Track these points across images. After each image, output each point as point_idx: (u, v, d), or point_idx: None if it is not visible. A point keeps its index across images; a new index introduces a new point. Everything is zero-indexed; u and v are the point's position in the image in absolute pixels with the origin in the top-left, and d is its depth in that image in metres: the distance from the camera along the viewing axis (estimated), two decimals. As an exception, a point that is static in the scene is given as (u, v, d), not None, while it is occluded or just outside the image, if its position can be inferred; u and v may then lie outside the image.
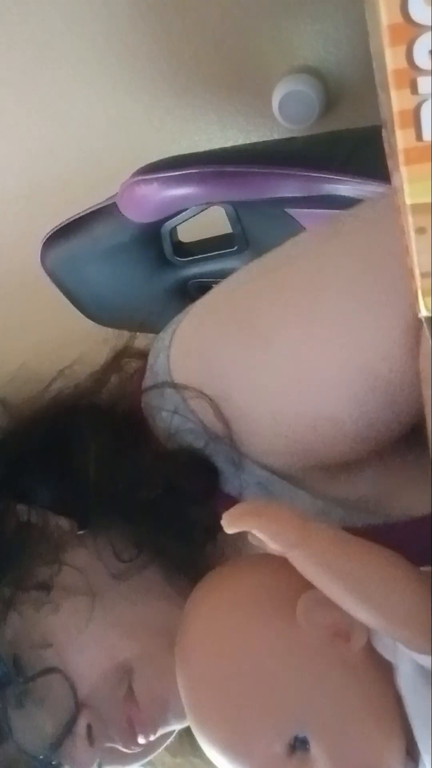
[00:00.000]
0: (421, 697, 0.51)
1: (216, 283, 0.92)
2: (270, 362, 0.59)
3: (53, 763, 0.61)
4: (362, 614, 0.51)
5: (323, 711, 0.52)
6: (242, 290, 0.64)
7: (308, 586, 0.53)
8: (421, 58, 0.34)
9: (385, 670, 0.53)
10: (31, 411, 0.68)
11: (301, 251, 0.63)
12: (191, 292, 0.92)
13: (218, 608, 0.58)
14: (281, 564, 0.59)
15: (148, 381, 0.67)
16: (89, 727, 0.61)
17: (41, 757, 0.60)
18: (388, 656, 0.53)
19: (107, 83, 1.11)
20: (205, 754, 0.56)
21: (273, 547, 0.53)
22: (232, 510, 0.54)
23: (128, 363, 0.71)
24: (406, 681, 0.52)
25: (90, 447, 0.65)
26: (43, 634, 0.61)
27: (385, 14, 0.33)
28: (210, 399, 0.62)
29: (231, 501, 0.60)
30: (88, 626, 0.61)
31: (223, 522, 0.54)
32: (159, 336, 0.68)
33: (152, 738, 0.63)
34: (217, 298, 0.67)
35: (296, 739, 0.52)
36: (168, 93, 1.11)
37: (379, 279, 0.55)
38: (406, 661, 0.52)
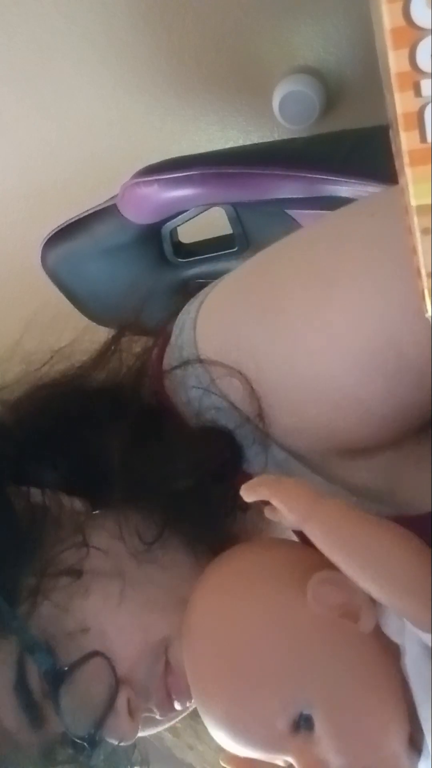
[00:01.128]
0: (426, 679, 0.51)
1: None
2: (294, 331, 0.58)
3: (97, 739, 0.61)
4: (370, 585, 0.51)
5: (329, 689, 0.52)
6: (269, 263, 0.63)
7: (322, 567, 0.54)
8: (423, 61, 0.34)
9: (392, 654, 0.53)
10: (34, 392, 0.67)
11: (327, 225, 0.62)
12: (191, 292, 0.92)
13: (227, 582, 0.58)
14: (294, 546, 0.61)
15: (171, 355, 0.66)
16: (129, 701, 0.61)
17: (86, 735, 0.60)
18: (395, 638, 0.53)
19: (108, 83, 1.11)
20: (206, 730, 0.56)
21: (288, 517, 0.53)
22: (251, 480, 0.55)
23: (132, 342, 0.69)
24: (413, 663, 0.52)
25: (113, 429, 0.64)
26: (77, 620, 0.60)
27: (388, 18, 0.34)
28: (242, 375, 0.60)
29: (249, 478, 0.59)
30: (120, 607, 0.61)
31: (242, 491, 0.55)
32: (184, 309, 0.67)
33: (188, 704, 0.63)
34: (245, 272, 0.66)
35: (301, 716, 0.52)
36: (168, 93, 1.11)
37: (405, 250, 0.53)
38: (413, 642, 0.52)
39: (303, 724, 0.52)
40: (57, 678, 0.59)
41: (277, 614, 0.54)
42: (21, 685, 0.59)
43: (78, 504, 0.65)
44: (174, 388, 0.65)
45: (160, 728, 0.66)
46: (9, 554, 0.61)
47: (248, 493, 0.55)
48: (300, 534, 0.63)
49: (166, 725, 0.66)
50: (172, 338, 0.66)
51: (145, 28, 1.05)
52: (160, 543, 0.63)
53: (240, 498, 0.55)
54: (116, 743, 0.62)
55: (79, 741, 0.60)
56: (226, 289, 0.65)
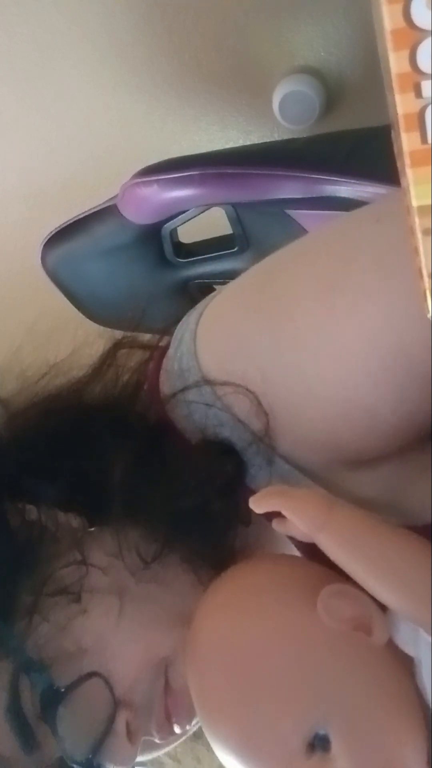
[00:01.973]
0: None
1: (217, 283, 0.93)
2: (301, 341, 0.57)
3: (95, 764, 0.59)
4: (387, 594, 0.50)
5: (346, 706, 0.50)
6: (272, 272, 0.62)
7: (329, 582, 0.53)
8: (424, 62, 0.34)
9: (405, 666, 0.52)
10: (30, 408, 0.65)
11: (332, 233, 0.61)
12: (191, 292, 0.92)
13: (233, 600, 0.56)
14: (299, 562, 0.60)
15: (170, 368, 0.64)
16: (127, 724, 0.60)
17: (83, 760, 0.58)
18: (409, 651, 0.52)
19: (108, 83, 1.11)
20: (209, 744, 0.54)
21: (300, 527, 0.52)
22: (261, 491, 0.54)
23: (128, 354, 0.68)
24: (428, 675, 0.51)
25: (111, 446, 0.62)
26: (75, 640, 0.59)
27: (388, 19, 0.34)
28: (249, 391, 0.59)
29: (252, 494, 0.58)
30: (119, 626, 0.60)
31: (251, 503, 0.54)
32: (182, 321, 0.65)
33: (188, 727, 0.62)
34: (247, 282, 0.64)
35: (316, 736, 0.50)
36: (169, 93, 1.11)
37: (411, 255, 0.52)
38: (429, 653, 0.51)
39: (318, 744, 0.50)
40: (54, 699, 0.58)
41: (288, 630, 0.53)
42: (14, 707, 0.57)
43: (75, 520, 0.63)
44: (173, 403, 0.64)
45: (159, 752, 0.64)
46: (5, 572, 0.59)
47: (258, 505, 0.54)
48: (304, 549, 0.62)
49: (165, 749, 0.64)
50: (171, 350, 0.65)
51: (146, 28, 1.05)
52: (159, 560, 0.62)
53: (242, 513, 0.54)
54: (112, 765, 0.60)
55: (76, 766, 0.59)
56: (227, 300, 0.64)
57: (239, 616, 0.55)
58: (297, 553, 0.64)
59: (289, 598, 0.54)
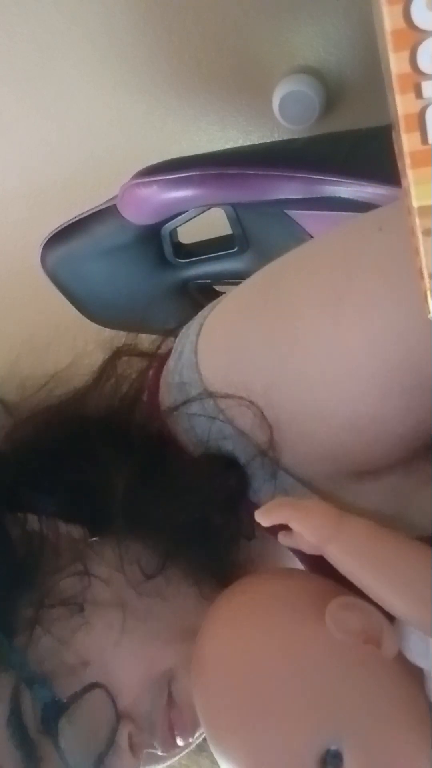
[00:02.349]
0: None
1: (216, 284, 0.93)
2: (306, 353, 0.56)
3: None
4: (398, 604, 0.49)
5: (358, 720, 0.49)
6: (274, 282, 0.61)
7: (335, 596, 0.52)
8: (424, 63, 0.34)
9: (416, 679, 0.51)
10: (30, 419, 0.65)
11: (334, 242, 0.60)
12: (191, 293, 0.92)
13: (240, 614, 0.55)
14: (305, 576, 0.59)
15: (170, 381, 0.63)
16: (130, 737, 0.59)
17: None
18: (419, 662, 0.51)
19: (108, 83, 1.11)
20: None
21: (308, 539, 0.52)
22: (268, 503, 0.54)
23: (128, 363, 0.67)
24: None
25: (112, 457, 0.61)
26: (77, 653, 0.58)
27: (389, 20, 0.34)
28: (252, 403, 0.58)
29: (255, 508, 0.58)
30: (122, 639, 0.59)
31: (257, 515, 0.53)
32: (182, 333, 0.65)
33: (190, 740, 0.62)
34: (248, 291, 0.63)
35: (328, 752, 0.48)
36: (168, 93, 1.11)
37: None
38: None
39: (330, 760, 0.48)
40: (56, 711, 0.57)
41: (296, 644, 0.52)
42: (15, 720, 0.57)
43: (76, 531, 0.63)
44: (175, 416, 0.63)
45: (161, 765, 0.64)
46: (5, 583, 0.59)
47: (265, 517, 0.53)
48: (308, 564, 0.62)
49: (168, 762, 0.64)
50: (171, 363, 0.64)
51: (145, 28, 1.05)
52: (162, 574, 0.61)
53: (245, 526, 0.54)
54: None
55: None
56: (228, 311, 0.63)
57: (246, 632, 0.54)
58: (300, 567, 0.63)
59: (296, 612, 0.53)
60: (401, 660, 0.51)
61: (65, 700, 0.57)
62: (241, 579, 0.59)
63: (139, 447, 0.63)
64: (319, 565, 0.58)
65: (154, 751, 0.61)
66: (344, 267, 0.56)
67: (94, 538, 0.63)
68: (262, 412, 0.58)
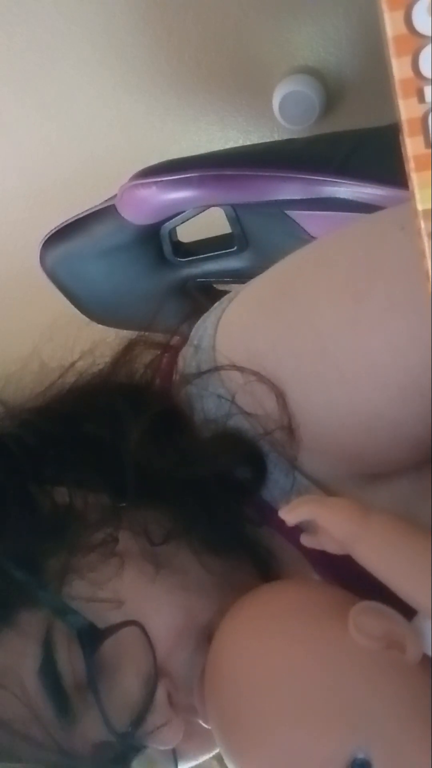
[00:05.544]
0: None
1: (216, 282, 0.93)
2: (325, 353, 0.55)
3: (135, 743, 0.56)
4: (429, 602, 0.48)
5: (386, 727, 0.48)
6: (292, 277, 0.60)
7: (353, 603, 0.51)
8: (426, 68, 0.35)
9: None
10: (51, 394, 0.64)
11: (355, 238, 0.59)
12: (191, 292, 0.93)
13: (260, 622, 0.54)
14: (324, 585, 0.59)
15: (187, 371, 0.63)
16: (169, 696, 0.57)
17: (124, 733, 0.55)
18: None
19: (108, 83, 1.11)
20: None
21: (336, 536, 0.51)
22: (293, 501, 0.53)
23: (140, 354, 0.67)
24: None
25: (133, 427, 0.60)
26: (111, 593, 0.56)
27: (390, 26, 0.35)
28: (275, 386, 0.57)
29: (266, 506, 0.57)
30: (156, 580, 0.57)
31: (282, 513, 0.53)
32: (198, 325, 0.64)
33: None
34: (267, 286, 0.62)
35: (356, 761, 0.47)
36: (168, 93, 1.11)
37: None
38: None
39: None
40: (92, 640, 0.54)
41: (319, 652, 0.50)
42: (48, 667, 0.54)
43: (104, 498, 0.61)
44: (189, 411, 0.62)
45: (200, 755, 0.61)
46: (35, 537, 0.58)
47: (291, 514, 0.52)
48: (322, 572, 0.62)
49: (206, 755, 0.61)
50: (188, 354, 0.63)
51: (145, 29, 1.05)
52: (177, 554, 0.60)
53: (249, 521, 0.53)
54: (156, 746, 0.57)
55: (115, 741, 0.55)
56: (246, 305, 0.63)
57: (267, 640, 0.52)
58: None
59: (317, 619, 0.52)
60: (425, 665, 0.50)
61: (103, 628, 0.55)
62: (255, 589, 0.57)
63: (158, 417, 0.62)
64: (333, 574, 0.58)
65: (192, 723, 0.58)
66: (365, 266, 0.55)
67: (122, 504, 0.62)
68: (284, 400, 0.57)
